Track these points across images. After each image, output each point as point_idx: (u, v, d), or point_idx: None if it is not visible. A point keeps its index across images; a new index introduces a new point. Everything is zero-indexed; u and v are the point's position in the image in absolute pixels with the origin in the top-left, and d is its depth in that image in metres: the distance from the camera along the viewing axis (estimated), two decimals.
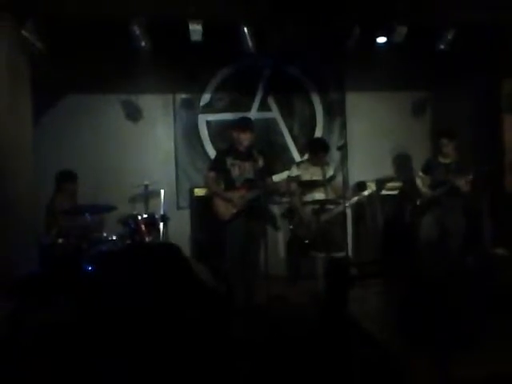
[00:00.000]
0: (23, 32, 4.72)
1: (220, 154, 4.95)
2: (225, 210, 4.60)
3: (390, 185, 6.23)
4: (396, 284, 3.29)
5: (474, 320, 2.50)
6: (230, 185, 4.67)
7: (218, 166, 4.74)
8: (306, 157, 5.82)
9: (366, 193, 5.42)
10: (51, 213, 5.13)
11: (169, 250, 3.16)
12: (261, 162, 4.69)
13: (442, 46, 5.51)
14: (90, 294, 3.50)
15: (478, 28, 5.38)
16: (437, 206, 5.18)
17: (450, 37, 5.41)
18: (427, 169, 5.39)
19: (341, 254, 5.08)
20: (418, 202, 5.35)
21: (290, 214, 5.64)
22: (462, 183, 5.01)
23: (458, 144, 5.25)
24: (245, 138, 4.63)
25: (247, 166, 4.68)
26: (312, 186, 5.29)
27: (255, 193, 4.61)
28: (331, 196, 5.34)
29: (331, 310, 2.84)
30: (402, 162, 6.61)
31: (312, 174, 5.32)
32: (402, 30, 5.27)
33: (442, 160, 5.27)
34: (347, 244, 5.77)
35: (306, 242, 5.23)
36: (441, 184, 5.17)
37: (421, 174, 5.43)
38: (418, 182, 5.41)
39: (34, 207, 4.94)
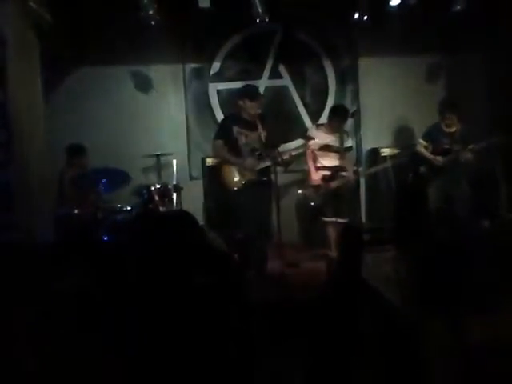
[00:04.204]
0: (31, 4, 4.68)
1: (226, 121, 4.88)
2: (234, 179, 4.59)
3: (403, 152, 6.16)
4: (408, 249, 3.29)
5: (489, 281, 2.50)
6: (237, 154, 4.64)
7: (224, 133, 4.67)
8: (324, 121, 5.77)
9: (381, 166, 5.42)
10: (63, 185, 5.17)
11: (181, 217, 3.18)
12: (264, 132, 4.62)
13: (458, 7, 5.37)
14: (106, 263, 3.55)
15: None
16: (442, 173, 5.14)
17: None
18: (429, 137, 5.30)
19: (345, 220, 5.10)
20: (420, 170, 5.32)
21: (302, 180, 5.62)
22: (467, 152, 4.97)
23: (461, 115, 5.17)
24: (252, 107, 4.56)
25: (254, 135, 4.64)
26: (327, 151, 5.25)
27: (265, 163, 4.59)
28: (345, 164, 5.31)
29: (345, 274, 2.86)
30: (415, 129, 6.52)
31: (329, 139, 5.26)
32: None
33: (445, 129, 5.20)
34: (357, 210, 5.79)
35: (312, 204, 5.24)
36: (444, 152, 5.12)
37: (421, 141, 5.34)
38: (422, 149, 5.33)
39: (47, 180, 4.98)
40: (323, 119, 6.19)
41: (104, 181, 4.82)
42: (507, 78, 5.82)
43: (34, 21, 4.84)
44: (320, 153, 5.23)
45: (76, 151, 5.30)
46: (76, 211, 4.80)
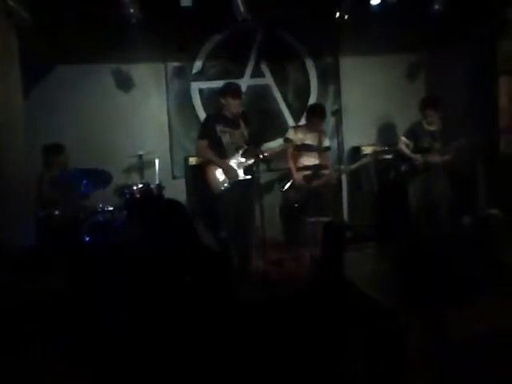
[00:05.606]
0: (9, 2, 4.60)
1: (208, 120, 4.86)
2: (218, 179, 4.58)
3: (385, 149, 6.21)
4: (390, 246, 3.32)
5: (470, 276, 2.53)
6: (222, 153, 4.63)
7: (207, 133, 4.65)
8: (303, 122, 5.79)
9: (356, 165, 5.47)
10: (43, 186, 5.09)
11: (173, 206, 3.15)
12: (247, 130, 4.62)
13: (437, 7, 5.42)
14: (87, 265, 3.52)
15: None
16: (422, 171, 5.20)
17: None
18: (411, 134, 5.34)
19: (327, 219, 5.12)
20: (402, 168, 5.36)
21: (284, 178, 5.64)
22: (448, 150, 5.04)
23: (443, 114, 5.23)
24: (234, 105, 4.56)
25: (237, 133, 4.63)
26: (307, 151, 5.28)
27: (250, 161, 4.59)
28: (325, 163, 5.35)
29: (327, 272, 2.88)
30: (397, 127, 6.58)
31: (308, 139, 5.29)
32: None
33: (426, 127, 5.25)
34: (339, 208, 5.82)
35: (296, 205, 5.26)
36: (425, 150, 5.18)
37: (403, 139, 5.38)
38: (403, 147, 5.37)
39: (25, 181, 4.90)
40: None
41: (85, 182, 4.77)
42: (488, 76, 5.91)
43: (11, 19, 4.75)
44: (300, 153, 5.26)
45: (54, 151, 5.22)
46: (56, 212, 4.74)
